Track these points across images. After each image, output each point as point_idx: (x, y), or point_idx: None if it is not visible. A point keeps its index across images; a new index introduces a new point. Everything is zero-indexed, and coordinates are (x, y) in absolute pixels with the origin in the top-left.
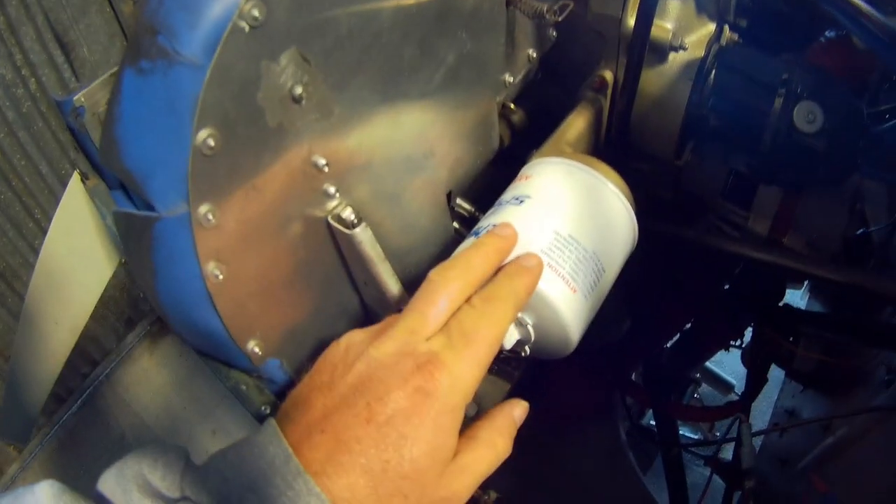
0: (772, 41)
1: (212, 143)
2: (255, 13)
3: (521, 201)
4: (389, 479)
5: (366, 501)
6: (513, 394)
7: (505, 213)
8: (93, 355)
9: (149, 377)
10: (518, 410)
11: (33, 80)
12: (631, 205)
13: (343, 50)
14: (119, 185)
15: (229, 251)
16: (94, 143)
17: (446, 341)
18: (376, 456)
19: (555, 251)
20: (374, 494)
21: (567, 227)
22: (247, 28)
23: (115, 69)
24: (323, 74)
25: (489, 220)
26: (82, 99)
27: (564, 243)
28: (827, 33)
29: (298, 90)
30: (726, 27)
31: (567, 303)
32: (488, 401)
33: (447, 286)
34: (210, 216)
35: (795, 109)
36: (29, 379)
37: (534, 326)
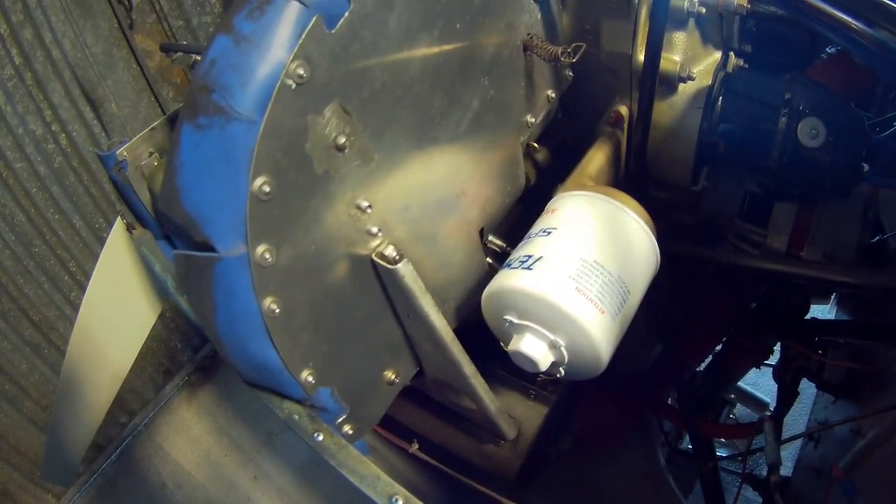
0: (776, 62)
1: (267, 189)
2: (301, 72)
3: (549, 233)
4: None
5: None
6: (550, 417)
7: (534, 245)
8: (131, 405)
9: (188, 426)
10: None
11: (63, 135)
12: (652, 231)
13: (379, 102)
14: (164, 235)
15: (285, 288)
16: (137, 194)
17: None
18: None
19: (582, 276)
20: None
21: (592, 253)
22: (293, 86)
23: (155, 124)
24: (362, 124)
25: (520, 252)
26: (125, 153)
27: (591, 269)
28: (827, 50)
29: (342, 139)
30: (732, 54)
31: (596, 323)
32: (528, 424)
33: None
34: (267, 255)
35: (799, 126)
36: (71, 427)
37: (566, 348)
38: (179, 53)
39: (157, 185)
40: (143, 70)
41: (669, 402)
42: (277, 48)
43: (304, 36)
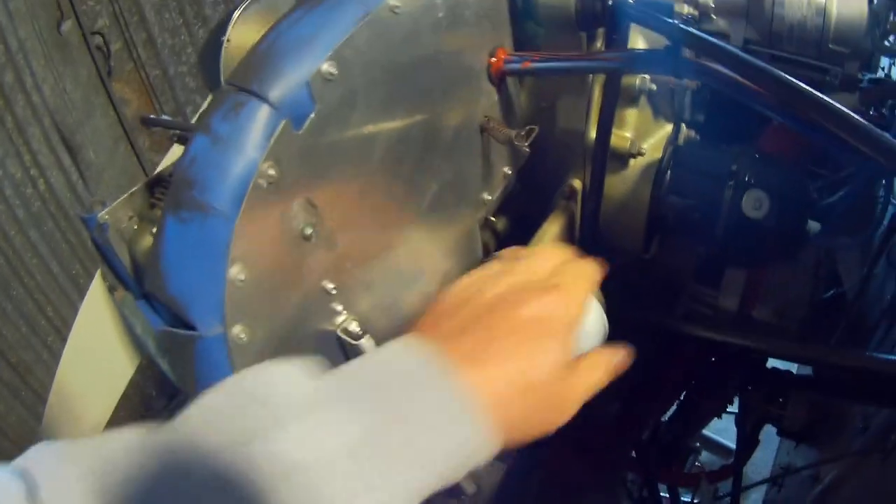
0: (729, 130)
1: (241, 277)
2: (271, 172)
3: None
4: (522, 381)
5: (501, 398)
6: (510, 473)
7: None
8: None
9: None
10: (618, 356)
11: (42, 180)
12: (600, 302)
13: (343, 193)
14: (142, 294)
15: (259, 362)
16: (118, 257)
17: (561, 280)
18: (514, 356)
19: None
20: (508, 391)
21: None
22: (265, 184)
23: (134, 190)
24: (327, 215)
25: None
26: (106, 216)
27: None
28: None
29: (308, 230)
30: (683, 126)
31: None
32: (488, 480)
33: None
34: (242, 335)
35: (744, 198)
36: None
37: None
38: (159, 128)
39: (137, 248)
40: (120, 118)
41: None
42: (250, 149)
43: (273, 139)
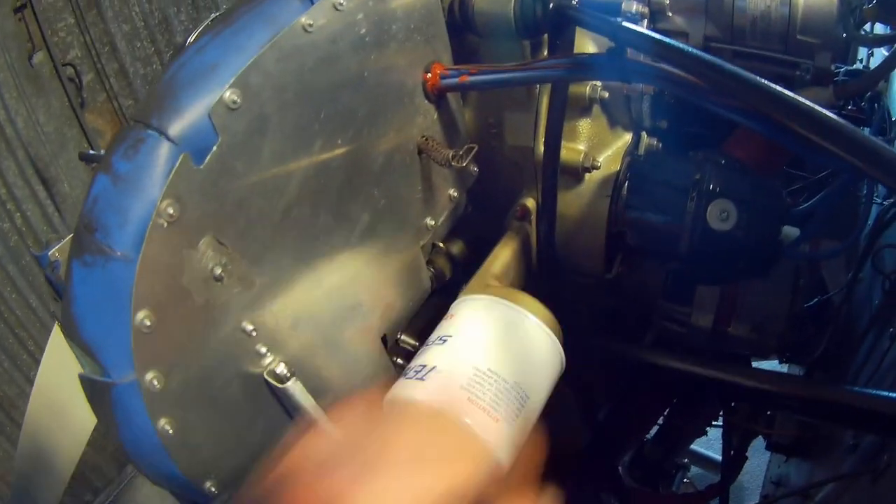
0: (694, 135)
1: (148, 322)
2: (171, 211)
3: (444, 341)
4: None
5: None
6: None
7: (430, 354)
8: (94, 483)
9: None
10: None
11: (18, 214)
12: (556, 332)
13: (256, 229)
14: None
15: (177, 409)
16: None
17: None
18: None
19: (475, 385)
20: None
21: (486, 361)
22: (165, 224)
23: None
24: (240, 253)
25: (416, 361)
26: (57, 254)
27: (484, 377)
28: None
29: (218, 270)
30: (644, 134)
31: (488, 431)
32: None
33: None
34: (155, 382)
35: (709, 209)
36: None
37: None
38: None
39: None
40: (94, 150)
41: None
42: (150, 188)
43: (171, 176)
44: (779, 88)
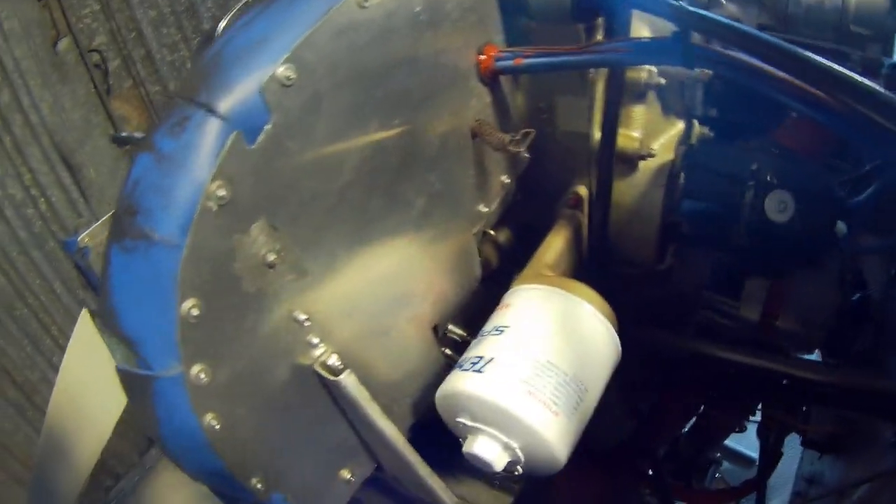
0: (743, 125)
1: (195, 312)
2: (222, 193)
3: (501, 331)
4: None
5: None
6: (523, 493)
7: (486, 345)
8: (116, 469)
9: (173, 491)
10: None
11: (43, 200)
12: (612, 322)
13: (309, 213)
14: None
15: (224, 403)
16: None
17: None
18: None
19: (535, 378)
20: None
21: (545, 353)
22: (215, 207)
23: (116, 210)
24: (293, 239)
25: (472, 352)
26: (86, 240)
27: (543, 370)
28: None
29: (271, 257)
30: (695, 122)
31: (550, 426)
32: (499, 501)
33: None
34: (203, 375)
35: (767, 200)
36: (53, 491)
37: (521, 450)
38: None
39: None
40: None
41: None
42: (197, 168)
43: (222, 155)
44: (867, 81)
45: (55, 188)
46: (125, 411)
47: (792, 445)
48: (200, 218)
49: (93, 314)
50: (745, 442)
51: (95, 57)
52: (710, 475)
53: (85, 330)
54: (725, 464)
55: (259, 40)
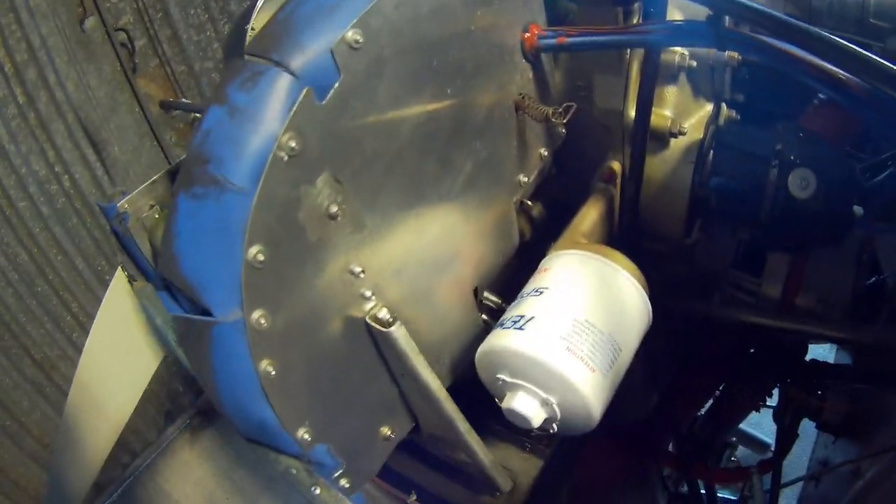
0: (769, 110)
1: (261, 258)
2: (293, 144)
3: (541, 292)
4: None
5: None
6: (546, 469)
7: (526, 305)
8: (133, 446)
9: (190, 468)
10: None
11: (66, 176)
12: (644, 288)
13: (370, 170)
14: (165, 286)
15: (280, 351)
16: (139, 247)
17: None
18: None
19: (573, 336)
20: None
21: (583, 313)
22: (285, 158)
23: (156, 178)
24: (354, 193)
25: (513, 312)
26: (126, 205)
27: (581, 328)
28: (819, 95)
29: (334, 208)
30: (723, 105)
31: (587, 382)
32: (524, 477)
33: None
34: (262, 321)
35: (790, 177)
36: (72, 468)
37: (558, 405)
38: (178, 111)
39: (158, 237)
40: (145, 114)
41: (669, 448)
42: (269, 120)
43: (294, 109)
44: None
45: (79, 165)
46: (147, 386)
47: (804, 437)
48: (271, 167)
49: (129, 278)
50: (760, 428)
51: (122, 36)
52: (725, 458)
53: (119, 290)
54: (740, 448)
55: (330, 5)
